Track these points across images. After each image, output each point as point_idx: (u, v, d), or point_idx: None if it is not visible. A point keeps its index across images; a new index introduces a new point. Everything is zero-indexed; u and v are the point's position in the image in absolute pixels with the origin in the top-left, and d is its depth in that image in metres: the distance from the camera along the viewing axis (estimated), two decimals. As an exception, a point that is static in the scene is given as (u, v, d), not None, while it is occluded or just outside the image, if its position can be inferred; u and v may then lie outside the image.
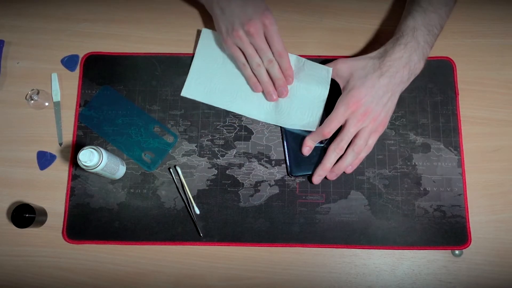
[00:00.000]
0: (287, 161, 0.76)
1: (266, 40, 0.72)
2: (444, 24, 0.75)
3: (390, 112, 0.72)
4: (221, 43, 0.78)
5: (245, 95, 0.78)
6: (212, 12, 0.75)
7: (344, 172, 0.74)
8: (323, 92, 0.76)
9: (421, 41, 0.70)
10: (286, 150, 0.76)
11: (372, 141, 0.72)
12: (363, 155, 0.73)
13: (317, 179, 0.74)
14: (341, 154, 0.72)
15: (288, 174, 0.76)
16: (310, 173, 0.75)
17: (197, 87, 0.79)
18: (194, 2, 0.82)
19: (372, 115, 0.70)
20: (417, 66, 0.70)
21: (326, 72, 0.75)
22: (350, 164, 0.72)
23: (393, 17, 0.82)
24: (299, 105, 0.76)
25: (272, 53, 0.73)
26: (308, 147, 0.74)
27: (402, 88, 0.71)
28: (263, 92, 0.77)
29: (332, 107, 0.72)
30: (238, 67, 0.78)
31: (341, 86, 0.73)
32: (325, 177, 0.74)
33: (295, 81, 0.77)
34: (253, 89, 0.77)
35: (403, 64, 0.69)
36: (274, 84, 0.76)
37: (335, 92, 0.74)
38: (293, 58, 0.77)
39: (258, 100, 0.78)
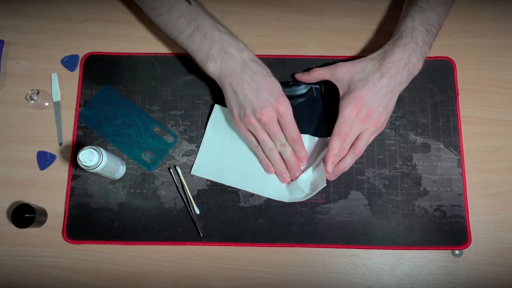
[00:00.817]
0: None
1: (280, 125, 0.70)
2: (443, 23, 0.75)
3: (390, 113, 0.72)
4: (232, 121, 0.75)
5: (257, 174, 0.76)
6: (224, 92, 0.71)
7: (345, 171, 0.74)
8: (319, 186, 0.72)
9: (419, 41, 0.70)
10: None
11: (371, 140, 0.72)
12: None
13: None
14: (342, 155, 0.72)
15: None
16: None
17: (207, 165, 0.76)
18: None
19: (374, 116, 0.70)
20: (416, 66, 0.70)
21: (322, 183, 0.72)
22: (350, 165, 0.72)
23: (393, 16, 0.82)
24: (309, 177, 0.74)
25: (286, 137, 0.71)
26: (331, 164, 0.71)
27: (401, 88, 0.71)
28: (276, 173, 0.75)
29: (332, 111, 0.72)
30: (250, 149, 0.76)
31: (341, 91, 0.73)
32: None
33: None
34: (266, 170, 0.75)
35: (402, 65, 0.69)
36: (287, 166, 0.74)
37: (334, 95, 0.74)
38: (306, 139, 0.76)
39: (270, 179, 0.76)
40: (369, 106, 0.69)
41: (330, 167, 0.70)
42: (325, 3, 0.84)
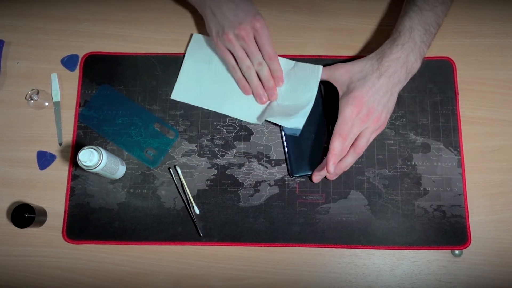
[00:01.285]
0: (288, 162, 0.76)
1: (257, 43, 0.73)
2: (442, 22, 0.75)
3: (390, 112, 0.72)
4: (211, 47, 0.80)
5: (235, 97, 0.79)
6: (204, 15, 0.76)
7: (345, 171, 0.74)
8: (312, 92, 0.75)
9: (418, 41, 0.71)
10: (286, 150, 0.76)
11: (371, 140, 0.72)
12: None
13: (317, 178, 0.74)
14: (343, 155, 0.72)
15: (289, 175, 0.76)
16: (311, 173, 0.75)
17: (187, 89, 0.79)
18: (187, 4, 0.81)
19: (374, 115, 0.70)
20: (414, 65, 0.71)
21: (316, 71, 0.75)
22: (350, 164, 0.72)
23: (393, 16, 0.82)
24: (288, 106, 0.76)
25: (262, 56, 0.74)
26: (333, 164, 0.70)
27: (400, 87, 0.71)
28: (253, 94, 0.78)
29: (332, 112, 0.72)
30: (228, 70, 0.79)
31: (340, 91, 0.73)
32: (325, 177, 0.75)
33: (285, 84, 0.77)
34: (243, 91, 0.78)
35: (400, 64, 0.70)
36: (263, 86, 0.77)
37: (333, 95, 0.74)
38: (283, 61, 0.78)
39: (248, 102, 0.78)
40: (369, 105, 0.69)
41: (331, 167, 0.70)
42: (325, 3, 0.84)
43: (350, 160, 0.72)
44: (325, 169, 0.71)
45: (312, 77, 0.76)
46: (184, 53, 0.81)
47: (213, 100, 0.79)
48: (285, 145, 0.76)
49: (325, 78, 0.75)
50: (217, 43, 0.75)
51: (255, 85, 0.76)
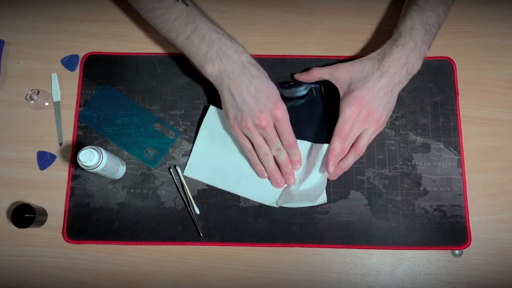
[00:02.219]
0: None
1: (276, 130, 0.70)
2: (443, 22, 0.74)
3: (390, 112, 0.72)
4: (226, 124, 0.74)
5: (250, 178, 0.75)
6: (221, 94, 0.70)
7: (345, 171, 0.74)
8: (323, 172, 0.73)
9: (418, 41, 0.70)
10: None
11: (371, 140, 0.72)
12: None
13: None
14: (343, 156, 0.72)
15: None
16: None
17: (200, 166, 0.76)
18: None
19: (375, 116, 0.70)
20: (415, 66, 0.70)
21: (322, 150, 0.73)
22: (351, 164, 0.72)
23: (393, 16, 0.82)
24: (306, 189, 0.74)
25: (282, 143, 0.71)
26: (333, 165, 0.71)
27: (400, 88, 0.71)
28: (269, 178, 0.75)
29: (332, 112, 0.72)
30: (244, 153, 0.74)
31: (341, 91, 0.73)
32: None
33: (302, 165, 0.75)
34: (259, 175, 0.74)
35: (401, 64, 0.69)
36: (281, 171, 0.73)
37: (334, 95, 0.74)
38: (300, 144, 0.74)
39: (263, 184, 0.75)
40: (369, 105, 0.69)
41: (331, 168, 0.70)
42: (325, 3, 0.84)
43: (350, 161, 0.72)
44: (327, 170, 0.71)
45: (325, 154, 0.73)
46: (198, 126, 0.78)
47: (227, 179, 0.75)
48: None
49: (326, 78, 0.75)
50: (233, 126, 0.70)
51: (271, 171, 0.73)
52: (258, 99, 0.67)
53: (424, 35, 0.71)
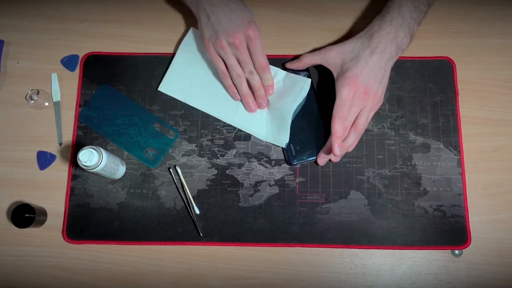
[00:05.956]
0: (286, 150, 0.76)
1: (249, 51, 0.72)
2: (432, 1, 0.75)
3: (385, 88, 0.73)
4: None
5: (223, 99, 0.78)
6: (198, 17, 0.74)
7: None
8: (294, 104, 0.75)
9: (407, 17, 0.71)
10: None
11: (370, 118, 0.73)
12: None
13: (322, 161, 0.75)
14: (345, 136, 0.72)
15: (287, 163, 0.76)
16: (311, 159, 0.75)
17: (175, 84, 0.79)
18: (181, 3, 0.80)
19: (372, 93, 0.70)
20: (404, 41, 0.71)
21: (304, 84, 0.75)
22: (352, 144, 0.73)
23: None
24: (273, 118, 0.76)
25: (254, 65, 0.73)
26: (338, 147, 0.70)
27: (392, 63, 0.72)
28: (241, 101, 0.77)
29: (325, 95, 0.72)
30: (218, 75, 0.77)
31: (334, 73, 0.73)
32: (329, 161, 0.75)
33: (273, 94, 0.77)
34: (232, 97, 0.77)
35: (390, 39, 0.70)
36: (253, 94, 0.76)
37: (326, 78, 0.75)
38: (274, 70, 0.77)
39: (235, 107, 0.78)
40: (365, 83, 0.70)
41: (337, 150, 0.69)
42: (325, 3, 0.84)
43: (352, 140, 0.72)
44: (329, 152, 0.71)
45: (299, 89, 0.75)
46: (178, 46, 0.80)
47: (201, 98, 0.78)
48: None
49: (318, 62, 0.75)
50: (208, 47, 0.73)
51: (244, 94, 0.75)
52: (232, 19, 0.70)
53: (412, 12, 0.72)
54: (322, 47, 0.81)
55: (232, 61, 0.72)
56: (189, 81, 0.79)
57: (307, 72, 0.79)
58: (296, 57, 0.80)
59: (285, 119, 0.75)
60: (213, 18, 0.71)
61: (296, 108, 0.76)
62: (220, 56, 0.73)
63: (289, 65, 0.78)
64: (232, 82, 0.75)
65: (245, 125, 0.77)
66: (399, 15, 0.71)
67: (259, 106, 0.77)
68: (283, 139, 0.75)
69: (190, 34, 0.80)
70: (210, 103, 0.78)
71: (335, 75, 0.73)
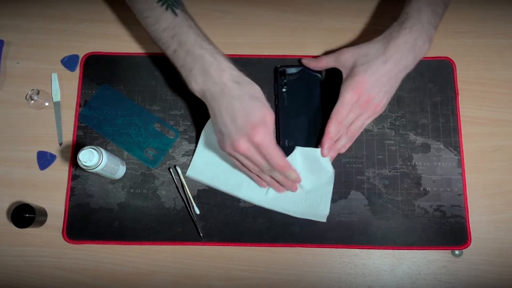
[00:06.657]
0: (281, 144, 0.75)
1: (261, 155, 0.65)
2: (449, 2, 0.73)
3: (390, 97, 0.71)
4: None
5: (251, 181, 0.74)
6: (209, 110, 0.67)
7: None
8: (328, 175, 0.72)
9: (425, 23, 0.68)
10: (279, 131, 0.76)
11: (367, 124, 0.72)
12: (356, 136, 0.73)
13: None
14: (337, 138, 0.71)
15: None
16: None
17: (203, 167, 0.75)
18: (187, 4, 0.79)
19: (373, 102, 0.69)
20: (422, 49, 0.68)
21: (319, 154, 0.71)
22: (343, 146, 0.72)
23: (393, 16, 0.82)
24: (307, 195, 0.74)
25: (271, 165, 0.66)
26: (328, 148, 0.70)
27: (405, 73, 0.70)
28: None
29: (333, 96, 0.72)
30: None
31: (344, 74, 0.72)
32: None
33: (301, 172, 0.71)
34: (259, 185, 0.73)
35: (408, 49, 0.67)
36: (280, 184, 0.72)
37: (337, 79, 0.74)
38: (297, 155, 0.72)
39: (266, 188, 0.74)
40: (369, 92, 0.68)
41: (326, 151, 0.69)
42: (325, 3, 0.84)
43: (343, 143, 0.72)
44: (321, 153, 0.70)
45: (320, 160, 0.71)
46: (198, 125, 0.78)
47: (229, 182, 0.74)
48: (279, 133, 0.76)
49: (333, 65, 0.73)
50: (220, 145, 0.67)
51: (269, 181, 0.71)
52: (236, 123, 0.63)
53: (431, 17, 0.69)
54: (322, 47, 0.82)
55: (246, 163, 0.67)
56: (216, 164, 0.75)
57: (319, 73, 0.78)
58: (296, 57, 0.80)
59: (324, 192, 0.73)
60: (218, 119, 0.64)
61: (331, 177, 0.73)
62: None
63: (306, 63, 0.77)
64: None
65: (279, 205, 0.74)
66: (418, 21, 0.68)
67: (290, 190, 0.73)
68: (322, 213, 0.73)
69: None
70: (239, 187, 0.74)
71: (344, 75, 0.72)
